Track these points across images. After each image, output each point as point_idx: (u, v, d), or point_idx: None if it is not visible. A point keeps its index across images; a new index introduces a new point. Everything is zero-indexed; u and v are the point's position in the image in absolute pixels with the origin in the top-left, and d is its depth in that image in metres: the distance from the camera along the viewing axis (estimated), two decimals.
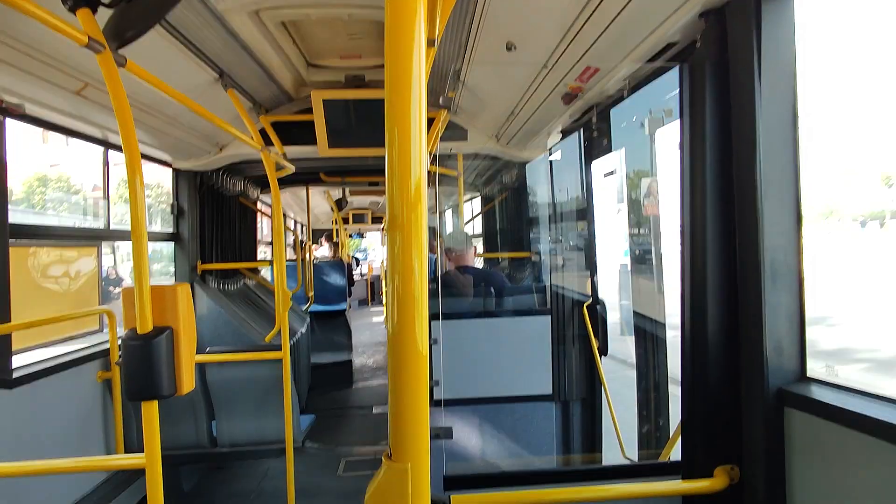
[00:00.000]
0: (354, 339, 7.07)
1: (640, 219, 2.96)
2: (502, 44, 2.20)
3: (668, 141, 2.45)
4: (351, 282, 7.78)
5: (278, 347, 2.92)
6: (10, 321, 2.27)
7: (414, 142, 0.79)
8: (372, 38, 2.79)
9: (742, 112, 1.50)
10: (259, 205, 5.20)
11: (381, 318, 10.83)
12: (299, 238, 8.43)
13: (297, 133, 3.42)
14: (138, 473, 1.53)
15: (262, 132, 3.31)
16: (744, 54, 1.48)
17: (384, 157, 0.83)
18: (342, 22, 2.55)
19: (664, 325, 2.72)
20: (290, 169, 3.35)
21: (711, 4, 1.56)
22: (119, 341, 2.88)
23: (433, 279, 4.00)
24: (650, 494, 1.66)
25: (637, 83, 2.24)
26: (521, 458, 3.18)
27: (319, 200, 7.97)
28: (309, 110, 3.20)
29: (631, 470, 2.01)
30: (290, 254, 7.57)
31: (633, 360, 2.89)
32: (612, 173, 2.94)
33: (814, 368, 1.47)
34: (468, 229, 5.64)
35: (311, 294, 5.94)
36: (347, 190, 6.71)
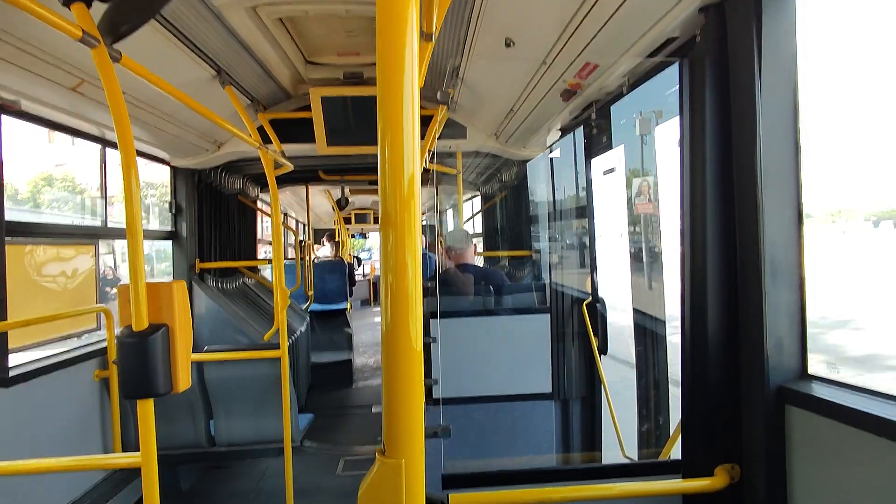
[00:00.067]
0: (355, 338, 7.07)
1: (635, 217, 2.95)
2: (501, 40, 2.19)
3: (666, 139, 2.44)
4: (352, 282, 7.75)
5: (277, 346, 2.91)
6: (6, 319, 2.26)
7: (407, 137, 0.77)
8: (370, 35, 2.78)
9: (742, 108, 1.49)
10: (259, 203, 5.19)
11: None
12: (300, 237, 8.43)
13: (295, 131, 3.41)
14: (137, 472, 1.53)
15: (261, 130, 3.29)
16: (744, 49, 1.47)
17: None
18: (340, 18, 2.53)
19: (662, 322, 2.71)
20: (289, 167, 3.34)
21: None
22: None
23: (432, 277, 3.99)
24: (650, 493, 1.64)
25: (636, 79, 2.22)
26: (521, 457, 3.17)
27: (321, 200, 7.97)
28: (307, 108, 3.19)
29: (631, 469, 2.00)
30: (291, 253, 7.56)
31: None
32: (611, 171, 2.93)
33: (847, 376, 1.45)
34: (468, 227, 5.64)
35: (310, 293, 5.94)
36: (348, 189, 6.71)
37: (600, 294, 3.16)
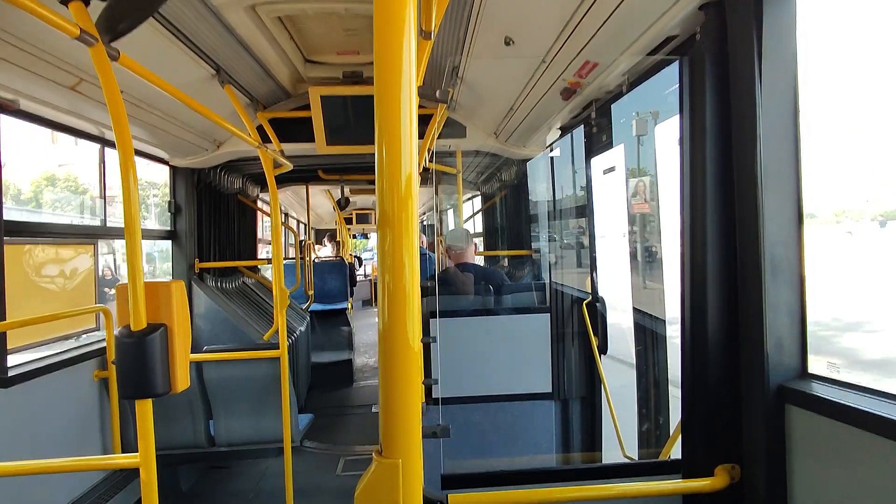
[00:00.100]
0: (357, 339, 7.06)
1: (634, 217, 2.95)
2: (501, 38, 2.18)
3: (667, 137, 2.44)
4: (353, 282, 7.75)
5: (276, 346, 2.90)
6: (5, 319, 2.26)
7: (404, 136, 0.77)
8: (369, 34, 2.75)
9: (742, 106, 1.48)
10: (259, 203, 5.19)
11: None
12: (300, 237, 8.43)
13: (294, 130, 3.40)
14: (136, 473, 1.52)
15: (260, 129, 3.29)
16: (744, 47, 1.46)
17: None
18: (339, 17, 2.53)
19: (662, 321, 2.70)
20: (288, 166, 3.33)
21: None
22: None
23: (432, 277, 3.99)
24: (650, 493, 1.64)
25: (636, 78, 2.22)
26: (521, 457, 3.17)
27: (322, 200, 7.97)
28: (307, 107, 3.19)
29: (631, 469, 2.00)
30: (293, 253, 7.57)
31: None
32: (611, 170, 2.92)
33: (866, 380, 1.42)
34: (469, 227, 5.63)
35: (310, 293, 5.94)
36: (348, 189, 6.71)
37: (600, 293, 3.15)
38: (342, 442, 4.38)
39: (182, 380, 1.47)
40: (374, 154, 0.80)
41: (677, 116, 1.68)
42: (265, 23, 2.42)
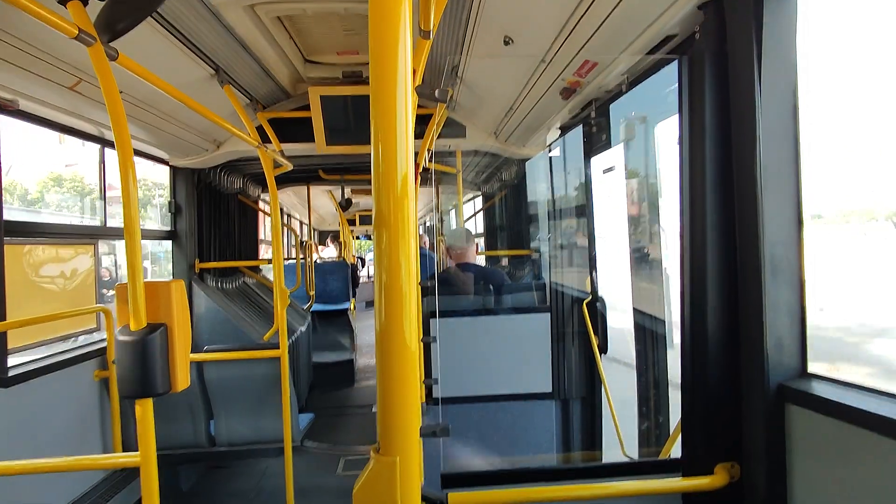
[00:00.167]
0: (360, 339, 7.08)
1: (632, 216, 2.95)
2: (500, 38, 2.18)
3: (667, 136, 2.43)
4: (355, 283, 7.75)
5: (277, 346, 2.91)
6: (5, 319, 2.26)
7: (400, 136, 0.77)
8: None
9: (742, 105, 1.48)
10: (261, 204, 5.19)
11: None
12: (302, 238, 8.45)
13: (294, 130, 3.40)
14: (137, 472, 1.53)
15: (260, 129, 3.29)
16: (743, 46, 1.46)
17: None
18: (338, 16, 2.53)
19: (661, 321, 2.70)
20: (288, 166, 3.34)
21: None
22: None
23: (432, 276, 3.99)
24: (650, 492, 1.64)
25: (636, 78, 2.21)
26: (521, 456, 3.17)
27: (325, 201, 7.97)
28: (306, 107, 3.19)
29: (631, 467, 2.00)
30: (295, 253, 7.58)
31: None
32: (611, 169, 2.92)
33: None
34: (469, 227, 5.63)
35: (312, 293, 5.95)
36: (350, 190, 6.73)
37: (600, 293, 3.15)
38: (343, 442, 4.38)
39: (182, 379, 1.47)
40: None
41: (676, 115, 1.68)
42: (264, 22, 2.43)
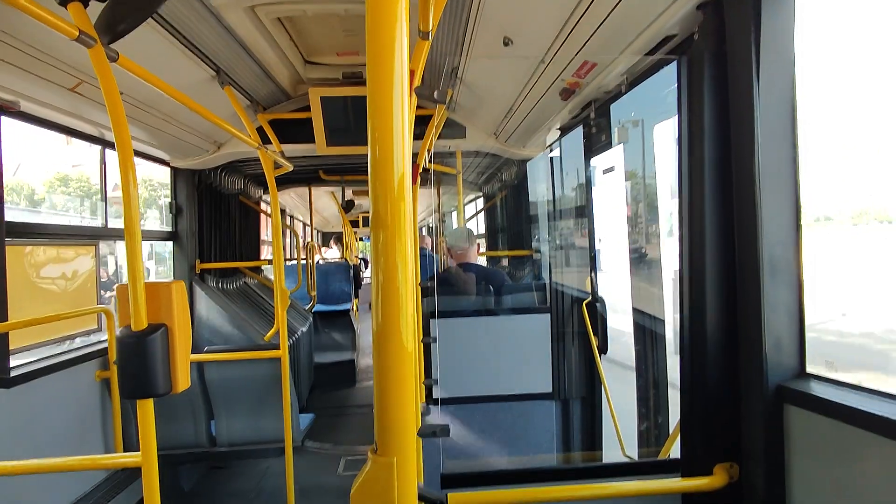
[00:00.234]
0: (362, 340, 7.09)
1: (631, 217, 2.95)
2: (499, 39, 2.19)
3: (666, 137, 2.43)
4: (357, 283, 7.76)
5: (277, 346, 2.91)
6: (7, 320, 2.27)
7: (396, 137, 0.77)
8: None
9: (741, 105, 1.48)
10: (262, 205, 5.20)
11: None
12: (303, 239, 8.46)
13: (294, 131, 3.41)
14: (138, 472, 1.54)
15: (260, 130, 3.30)
16: (742, 47, 1.46)
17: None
18: (338, 18, 2.53)
19: (661, 321, 2.70)
20: (288, 167, 3.34)
21: None
22: None
23: (432, 276, 3.99)
24: (649, 492, 1.64)
25: (635, 78, 2.22)
26: (521, 457, 3.17)
27: (328, 203, 7.98)
28: (307, 108, 3.20)
29: (630, 468, 2.00)
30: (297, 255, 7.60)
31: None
32: (611, 170, 2.92)
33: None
34: (469, 227, 5.63)
35: (313, 294, 5.96)
36: (352, 191, 6.74)
37: (600, 293, 3.15)
38: (344, 442, 4.39)
39: (183, 380, 1.47)
40: None
41: (675, 116, 1.68)
42: (265, 24, 2.43)
